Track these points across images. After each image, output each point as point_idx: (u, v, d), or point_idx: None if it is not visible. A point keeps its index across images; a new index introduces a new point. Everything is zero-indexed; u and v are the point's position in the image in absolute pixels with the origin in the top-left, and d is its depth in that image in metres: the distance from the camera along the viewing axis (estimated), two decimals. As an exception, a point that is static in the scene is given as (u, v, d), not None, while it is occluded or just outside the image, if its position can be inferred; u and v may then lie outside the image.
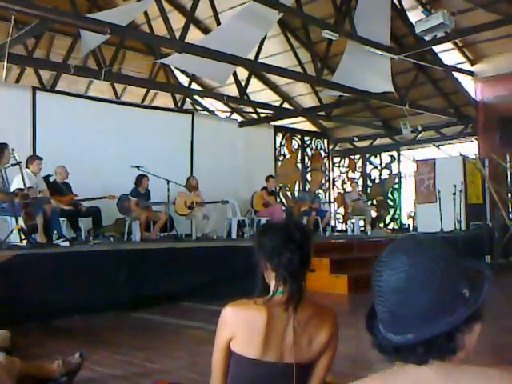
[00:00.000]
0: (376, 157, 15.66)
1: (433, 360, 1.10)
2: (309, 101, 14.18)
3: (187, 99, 14.18)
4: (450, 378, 1.08)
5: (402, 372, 1.12)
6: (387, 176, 15.38)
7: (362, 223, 13.58)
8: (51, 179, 8.69)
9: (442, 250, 1.16)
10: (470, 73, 12.68)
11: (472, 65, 12.62)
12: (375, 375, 1.17)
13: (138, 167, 9.33)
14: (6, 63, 7.53)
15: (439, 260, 1.13)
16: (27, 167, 7.91)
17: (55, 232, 7.81)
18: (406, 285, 1.11)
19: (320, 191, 15.49)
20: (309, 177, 15.51)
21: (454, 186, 11.33)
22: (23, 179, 7.16)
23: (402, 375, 1.12)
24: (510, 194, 12.23)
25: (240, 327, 1.88)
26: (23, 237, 6.71)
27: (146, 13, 10.29)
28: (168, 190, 9.07)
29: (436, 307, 1.10)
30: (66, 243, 7.47)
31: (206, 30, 12.04)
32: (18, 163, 7.26)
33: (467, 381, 1.07)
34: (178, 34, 8.13)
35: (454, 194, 11.25)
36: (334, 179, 16.37)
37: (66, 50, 10.50)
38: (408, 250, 1.15)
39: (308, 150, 15.59)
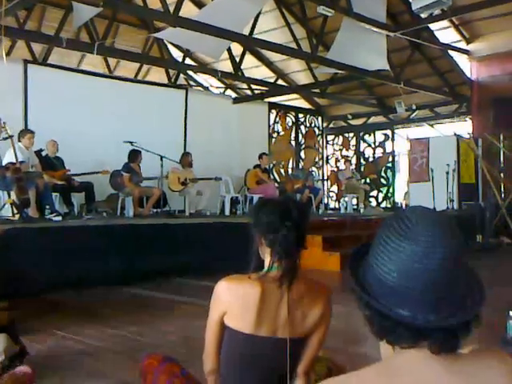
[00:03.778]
0: (370, 135, 15.64)
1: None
2: (303, 78, 14.10)
3: (181, 74, 14.06)
4: (455, 369, 1.05)
5: (403, 362, 1.06)
6: (381, 154, 15.39)
7: (354, 201, 13.61)
8: (43, 154, 8.64)
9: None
10: (466, 51, 12.62)
11: (468, 43, 12.56)
12: (371, 367, 1.08)
13: (131, 142, 9.26)
14: (2, 36, 7.38)
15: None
16: (19, 141, 7.85)
17: (47, 207, 7.79)
18: (459, 264, 1.04)
19: (313, 169, 15.49)
20: (302, 154, 15.49)
21: (448, 165, 11.37)
22: (15, 153, 7.11)
23: (405, 367, 1.06)
24: (502, 174, 12.27)
25: (234, 302, 1.88)
26: (15, 211, 6.70)
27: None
28: (161, 166, 9.03)
29: (471, 288, 1.07)
30: (59, 218, 7.46)
31: (200, 5, 11.89)
32: (10, 137, 7.20)
33: (471, 370, 1.05)
34: (172, 8, 8.03)
35: (447, 173, 11.30)
36: (327, 157, 16.36)
37: (58, 23, 10.33)
38: (452, 229, 1.06)
39: (302, 127, 15.55)
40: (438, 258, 1.02)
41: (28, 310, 4.80)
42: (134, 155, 9.42)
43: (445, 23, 11.81)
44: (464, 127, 13.72)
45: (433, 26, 11.64)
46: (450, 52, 12.63)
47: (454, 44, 12.44)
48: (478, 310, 1.06)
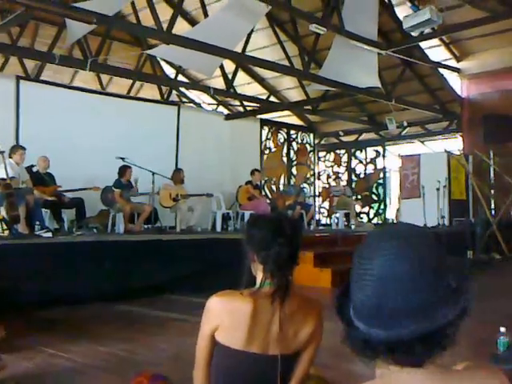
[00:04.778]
0: (361, 152, 15.70)
1: (427, 360, 1.04)
2: (295, 94, 14.17)
3: (173, 91, 14.10)
4: None
5: (394, 380, 1.06)
6: (372, 171, 15.44)
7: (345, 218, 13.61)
8: (34, 169, 8.61)
9: (432, 238, 1.10)
10: (456, 69, 12.76)
11: (458, 61, 12.70)
12: None
13: (122, 158, 9.25)
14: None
15: (433, 248, 1.08)
16: (10, 157, 7.83)
17: (38, 223, 7.74)
18: (403, 272, 1.02)
19: (305, 185, 15.52)
20: (294, 171, 15.52)
21: (438, 181, 11.42)
22: (6, 169, 7.09)
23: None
24: (492, 191, 12.35)
25: (225, 317, 1.87)
26: (5, 227, 6.67)
27: (133, 3, 10.15)
28: (153, 183, 9.02)
29: (432, 298, 1.03)
30: (49, 234, 7.41)
31: (193, 22, 11.97)
32: (1, 153, 7.19)
33: None
34: (165, 26, 8.08)
35: (438, 189, 11.34)
36: (319, 173, 16.40)
37: (51, 40, 10.37)
38: (402, 237, 1.07)
39: (294, 143, 15.60)
40: (377, 265, 1.04)
41: (16, 326, 4.75)
42: (123, 170, 9.39)
43: (435, 41, 11.96)
44: (455, 144, 13.82)
45: (423, 45, 11.77)
46: (441, 70, 12.76)
47: (444, 62, 12.57)
48: (421, 326, 1.03)
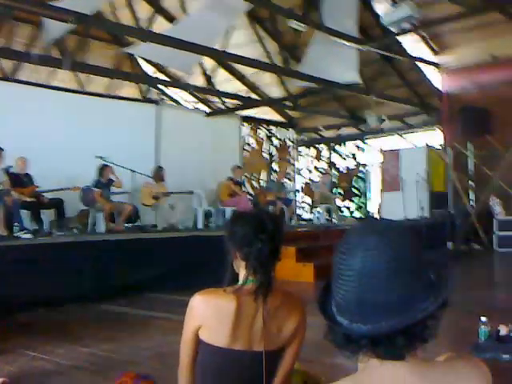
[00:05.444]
0: (341, 146, 15.78)
1: (409, 352, 1.06)
2: (276, 90, 14.18)
3: (153, 89, 14.02)
4: (425, 377, 1.06)
5: (376, 374, 1.08)
6: (353, 165, 15.51)
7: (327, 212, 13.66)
8: (11, 170, 8.48)
9: (410, 233, 1.12)
10: (435, 64, 12.85)
11: (436, 56, 12.79)
12: (347, 378, 1.11)
13: (101, 157, 9.17)
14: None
15: (413, 243, 1.09)
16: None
17: (16, 224, 7.64)
18: (384, 268, 1.03)
19: (286, 180, 15.55)
20: (275, 166, 15.55)
21: (418, 174, 11.52)
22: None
23: (376, 378, 1.07)
24: (471, 182, 12.49)
25: (209, 315, 1.87)
26: (-16, 229, 6.57)
27: (111, 1, 10.09)
28: (133, 181, 8.95)
29: (413, 292, 1.05)
30: (28, 235, 7.33)
31: (172, 20, 11.90)
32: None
33: (442, 377, 1.07)
34: (144, 24, 8.03)
35: (418, 181, 11.44)
36: (299, 169, 16.45)
37: (28, 39, 10.22)
38: (382, 232, 1.08)
39: (274, 139, 15.62)
40: (358, 261, 1.06)
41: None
42: (103, 169, 9.30)
43: (414, 37, 12.03)
44: (434, 137, 13.93)
45: (402, 39, 11.84)
46: (420, 64, 12.85)
47: (423, 57, 12.66)
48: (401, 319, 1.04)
